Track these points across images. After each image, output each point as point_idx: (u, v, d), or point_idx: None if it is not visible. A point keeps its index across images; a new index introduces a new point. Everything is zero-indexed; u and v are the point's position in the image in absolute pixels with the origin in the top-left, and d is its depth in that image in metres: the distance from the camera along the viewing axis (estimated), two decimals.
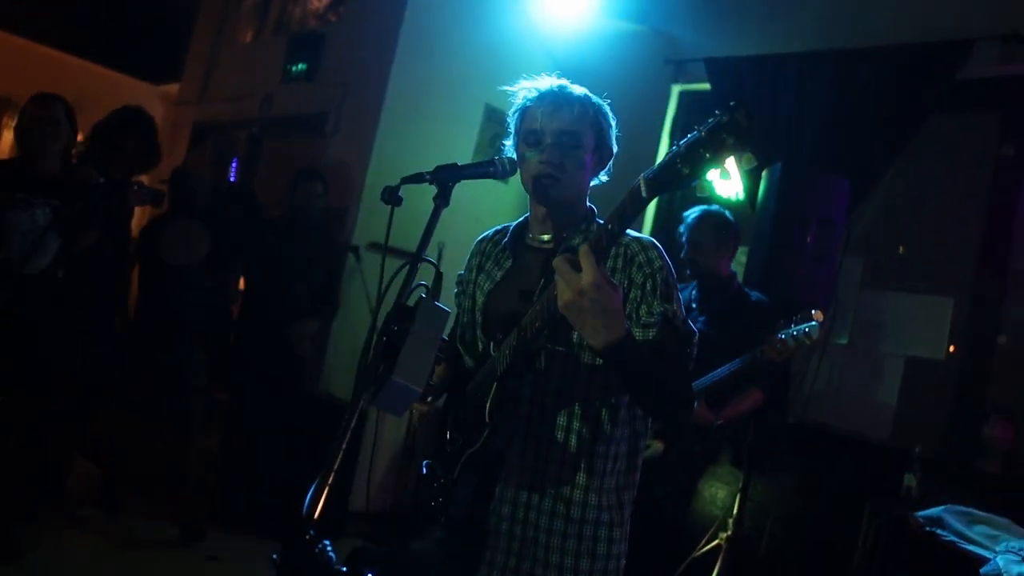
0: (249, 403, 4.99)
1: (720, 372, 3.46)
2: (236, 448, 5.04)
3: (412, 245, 2.01)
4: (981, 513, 2.79)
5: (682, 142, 1.40)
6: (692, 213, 3.95)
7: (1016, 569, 2.27)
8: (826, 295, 4.36)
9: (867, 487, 4.20)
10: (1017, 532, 2.58)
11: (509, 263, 2.01)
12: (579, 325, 1.55)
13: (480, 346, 1.97)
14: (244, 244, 5.22)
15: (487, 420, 1.78)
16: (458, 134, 5.80)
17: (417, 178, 1.74)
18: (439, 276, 1.60)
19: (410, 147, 5.55)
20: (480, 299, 2.00)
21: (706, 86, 5.46)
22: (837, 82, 4.66)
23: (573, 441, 1.80)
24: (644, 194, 1.45)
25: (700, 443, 3.78)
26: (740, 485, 4.28)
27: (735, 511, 4.23)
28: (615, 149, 2.00)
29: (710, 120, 1.37)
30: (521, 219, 2.06)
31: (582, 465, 1.81)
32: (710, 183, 5.47)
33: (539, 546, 1.80)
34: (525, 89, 1.98)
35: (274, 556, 1.31)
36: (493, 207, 5.54)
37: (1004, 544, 2.46)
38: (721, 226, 3.91)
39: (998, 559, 2.36)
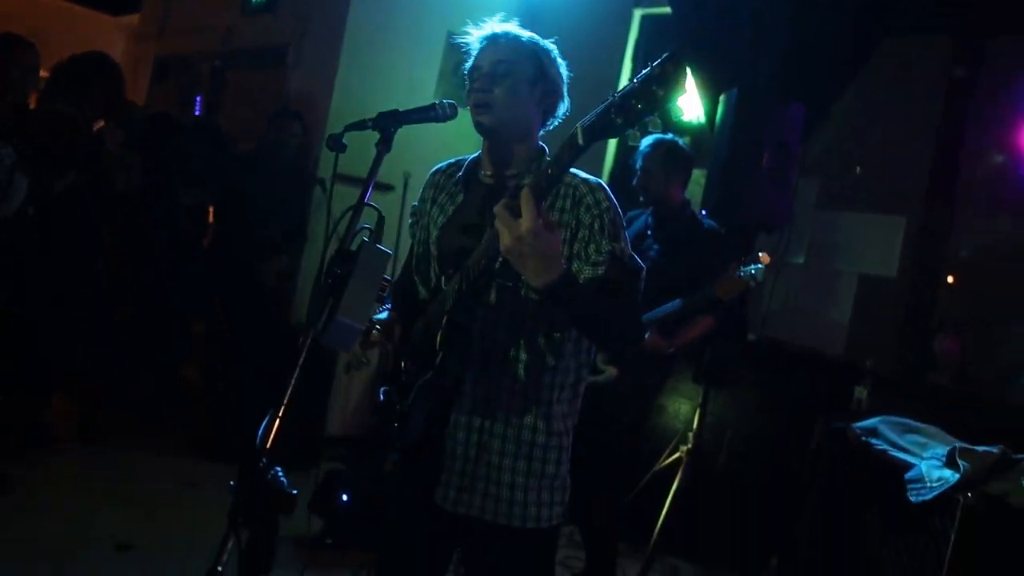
0: (224, 334, 5.11)
1: (672, 306, 3.58)
2: (215, 379, 5.19)
3: (388, 176, 2.12)
4: (914, 423, 2.97)
5: (617, 92, 1.47)
6: (646, 141, 3.97)
7: (936, 473, 2.45)
8: (782, 216, 4.49)
9: (821, 401, 4.38)
10: (944, 440, 2.76)
11: (460, 197, 2.07)
12: (519, 267, 1.64)
13: (434, 279, 2.06)
14: (211, 178, 5.29)
15: (438, 350, 1.89)
16: (421, 63, 5.79)
17: (360, 125, 1.80)
18: (381, 219, 1.69)
19: (373, 77, 5.55)
20: (434, 233, 2.07)
21: (668, 10, 5.47)
22: (793, 7, 4.69)
23: (522, 372, 1.92)
24: (581, 142, 1.53)
25: (655, 375, 3.90)
26: (699, 401, 4.48)
27: (695, 425, 4.42)
28: (565, 94, 2.04)
29: (643, 71, 1.44)
30: (476, 153, 2.11)
31: (531, 394, 1.93)
32: (675, 106, 5.54)
33: (492, 467, 1.93)
34: (473, 39, 2.04)
35: (232, 483, 1.43)
36: (460, 133, 5.53)
37: (930, 451, 2.64)
38: (670, 153, 3.92)
39: (921, 464, 2.54)
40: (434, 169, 2.21)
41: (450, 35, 5.88)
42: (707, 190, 4.56)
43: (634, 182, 3.94)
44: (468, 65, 2.04)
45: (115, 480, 4.37)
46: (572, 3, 6.00)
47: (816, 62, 4.59)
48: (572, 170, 1.88)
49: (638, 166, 3.90)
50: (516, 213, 1.58)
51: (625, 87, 1.46)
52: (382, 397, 2.14)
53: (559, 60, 2.04)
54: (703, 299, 3.55)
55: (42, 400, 4.59)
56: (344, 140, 1.79)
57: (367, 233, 1.67)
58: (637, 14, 5.84)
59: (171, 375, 5.59)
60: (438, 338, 1.89)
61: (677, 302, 3.59)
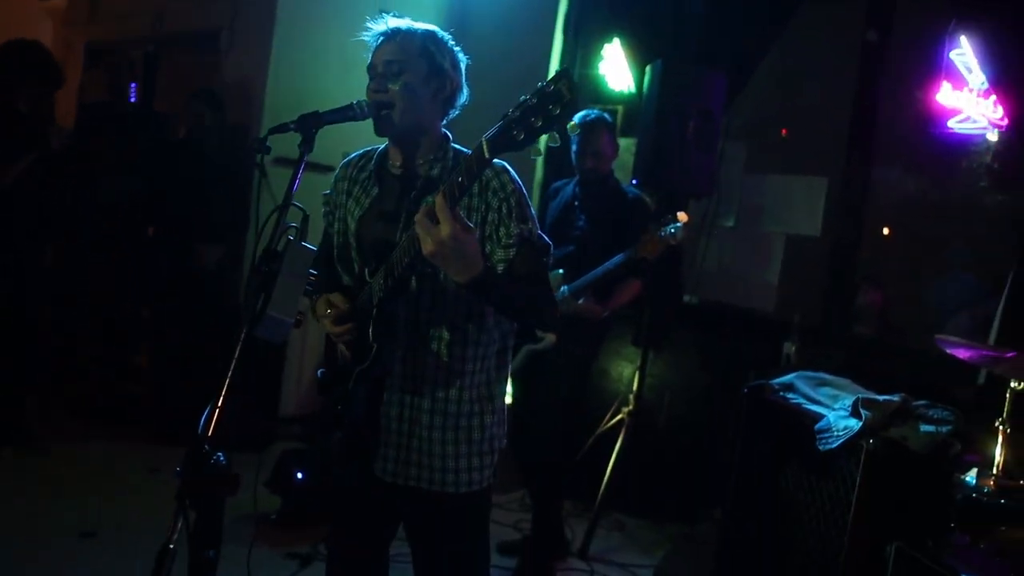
0: (170, 319, 5.18)
1: (600, 270, 3.73)
2: (164, 365, 5.26)
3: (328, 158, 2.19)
4: (828, 376, 3.16)
5: (516, 107, 1.59)
6: (585, 119, 3.99)
7: (843, 423, 2.65)
8: (708, 180, 4.66)
9: (754, 358, 4.59)
10: (854, 390, 2.95)
11: (375, 190, 2.17)
12: (444, 268, 1.77)
13: (356, 268, 2.18)
14: (148, 166, 5.32)
15: (371, 342, 2.02)
16: (355, 40, 5.80)
17: (282, 128, 1.89)
18: (306, 218, 1.80)
19: (308, 57, 5.56)
20: (352, 225, 2.18)
21: None
22: None
23: (444, 351, 2.06)
24: (487, 155, 1.65)
25: (591, 340, 4.05)
26: (639, 363, 4.66)
27: (635, 387, 4.61)
28: (463, 84, 2.16)
29: (539, 87, 1.57)
30: (384, 146, 2.21)
31: (455, 368, 2.08)
32: (603, 77, 5.67)
33: (423, 439, 2.08)
34: (371, 34, 2.14)
35: (178, 469, 1.56)
36: None
37: (840, 402, 2.84)
38: (613, 131, 4.10)
39: (830, 415, 2.74)
40: (344, 162, 2.30)
41: (381, 11, 5.91)
42: (637, 158, 4.70)
43: (577, 162, 4.03)
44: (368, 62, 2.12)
45: (77, 468, 4.44)
46: None
47: (736, 30, 4.74)
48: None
49: (583, 149, 3.97)
50: (435, 220, 1.70)
51: (523, 102, 1.58)
52: (320, 379, 2.28)
53: (454, 50, 2.15)
54: (627, 262, 3.70)
55: (26, 394, 4.71)
56: (268, 143, 1.88)
57: (293, 231, 1.78)
58: None
59: (122, 363, 5.64)
60: (370, 331, 2.02)
61: (603, 266, 3.73)
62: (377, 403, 2.10)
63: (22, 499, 3.96)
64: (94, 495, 4.10)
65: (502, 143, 1.61)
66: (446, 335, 2.06)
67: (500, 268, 1.98)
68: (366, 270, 2.07)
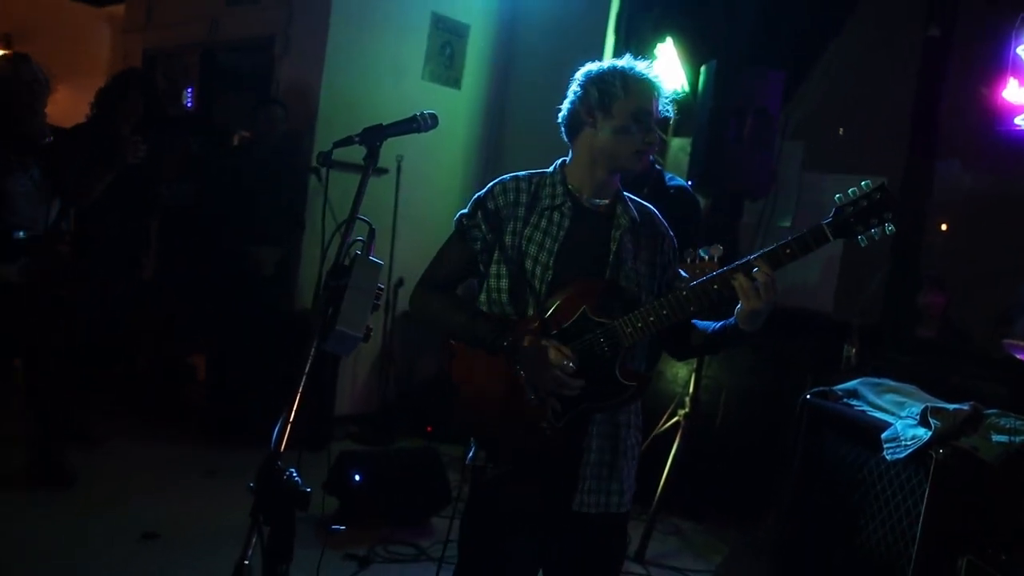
0: (228, 322, 5.25)
1: None
2: (221, 367, 5.34)
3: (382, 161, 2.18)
4: (892, 382, 3.10)
5: (849, 203, 1.91)
6: None
7: (911, 432, 2.59)
8: (766, 180, 4.60)
9: (812, 359, 4.52)
10: (921, 398, 2.89)
11: (567, 223, 2.13)
12: (753, 322, 1.96)
13: (532, 296, 2.10)
14: (205, 169, 5.42)
15: (622, 381, 2.04)
16: (407, 45, 5.85)
17: (347, 141, 1.90)
18: (372, 232, 1.81)
19: (360, 62, 5.63)
20: (542, 256, 2.10)
21: None
22: None
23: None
24: (831, 238, 1.93)
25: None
26: (695, 365, 4.62)
27: (691, 389, 4.57)
28: None
29: (870, 194, 1.90)
30: (556, 173, 2.19)
31: (633, 408, 2.19)
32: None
33: (616, 468, 2.15)
34: (621, 62, 2.13)
35: (251, 485, 1.57)
36: (447, 115, 5.65)
37: (906, 410, 2.78)
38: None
39: (897, 424, 2.68)
40: (500, 185, 2.19)
41: (434, 16, 5.95)
42: (692, 159, 4.66)
43: None
44: (623, 89, 2.08)
45: (136, 470, 4.53)
46: None
47: (793, 27, 4.67)
48: (635, 198, 2.24)
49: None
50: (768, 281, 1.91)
51: (856, 202, 1.91)
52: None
53: None
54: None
55: (87, 395, 4.85)
56: (331, 154, 1.89)
57: (360, 246, 1.79)
58: None
59: (180, 366, 5.75)
60: (617, 370, 2.04)
61: None
62: (581, 437, 2.12)
63: (83, 501, 4.04)
64: (153, 497, 4.18)
65: (842, 231, 1.92)
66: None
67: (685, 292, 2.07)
68: (586, 308, 2.05)
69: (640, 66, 2.11)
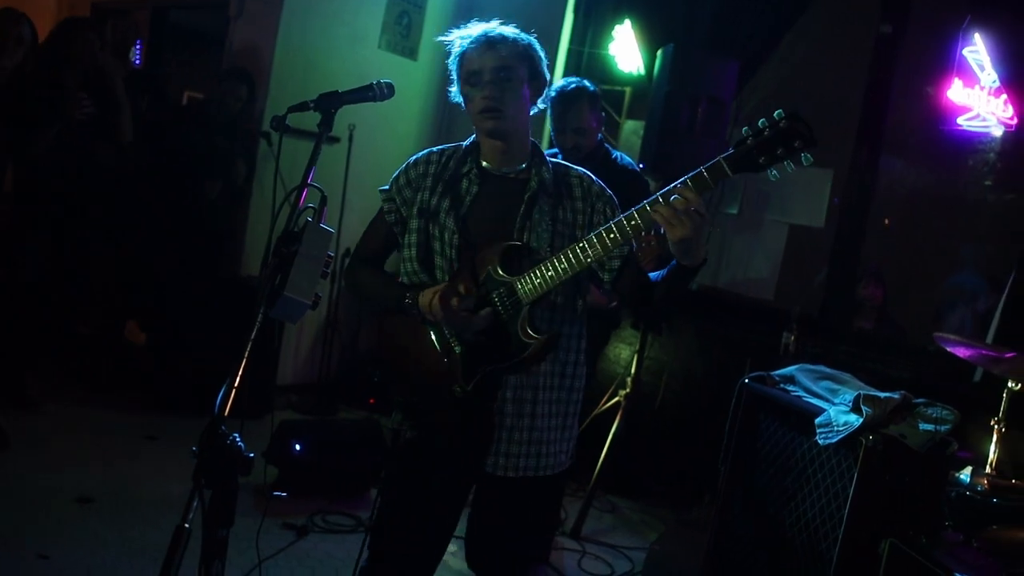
0: (171, 288, 5.17)
1: None
2: (163, 332, 5.27)
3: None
4: (827, 370, 3.18)
5: (753, 135, 1.79)
6: (564, 91, 3.69)
7: (843, 418, 2.67)
8: None
9: (752, 345, 4.62)
10: (855, 386, 2.97)
11: (476, 189, 2.17)
12: (685, 252, 1.91)
13: (443, 264, 2.14)
14: (153, 132, 5.29)
15: (523, 339, 2.04)
16: (364, 12, 5.78)
17: (302, 107, 1.89)
18: (324, 199, 1.80)
19: (316, 28, 5.54)
20: (449, 223, 2.13)
21: None
22: None
23: (561, 348, 2.18)
24: (730, 173, 1.82)
25: (591, 341, 4.04)
26: (638, 346, 4.69)
27: (633, 370, 4.64)
28: (548, 76, 2.22)
29: (777, 121, 1.77)
30: (468, 145, 2.23)
31: (568, 364, 2.21)
32: (612, 57, 5.65)
33: (539, 429, 2.17)
34: (459, 37, 2.17)
35: (194, 449, 1.57)
36: (402, 86, 5.60)
37: (840, 397, 2.86)
38: (597, 102, 3.78)
39: (830, 410, 2.76)
40: (415, 159, 2.26)
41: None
42: (644, 142, 4.70)
43: (557, 139, 3.74)
44: (458, 64, 2.16)
45: (74, 435, 4.45)
46: None
47: (749, 19, 4.72)
48: (564, 162, 2.25)
49: (563, 125, 3.69)
50: (689, 207, 1.83)
51: (760, 131, 1.79)
52: (411, 382, 2.23)
53: (542, 51, 2.21)
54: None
55: (28, 359, 4.75)
56: (288, 120, 1.88)
57: (311, 212, 1.78)
58: None
59: (117, 332, 5.63)
60: (519, 328, 2.04)
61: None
62: (492, 400, 2.13)
63: (19, 465, 3.96)
64: (91, 462, 4.12)
65: (743, 164, 1.81)
66: (565, 330, 2.17)
67: (617, 263, 2.16)
68: (491, 269, 2.06)
69: (473, 29, 2.15)
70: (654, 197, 1.89)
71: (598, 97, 3.82)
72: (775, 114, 1.78)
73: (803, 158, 1.78)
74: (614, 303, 3.86)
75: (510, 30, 2.16)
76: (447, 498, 2.21)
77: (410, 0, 5.99)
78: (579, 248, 1.97)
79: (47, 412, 4.65)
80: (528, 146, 2.20)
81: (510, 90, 2.10)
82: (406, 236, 2.21)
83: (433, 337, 2.15)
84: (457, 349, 2.12)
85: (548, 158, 2.23)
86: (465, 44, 2.15)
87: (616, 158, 3.87)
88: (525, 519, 2.25)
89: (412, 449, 2.19)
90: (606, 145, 3.93)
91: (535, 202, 2.13)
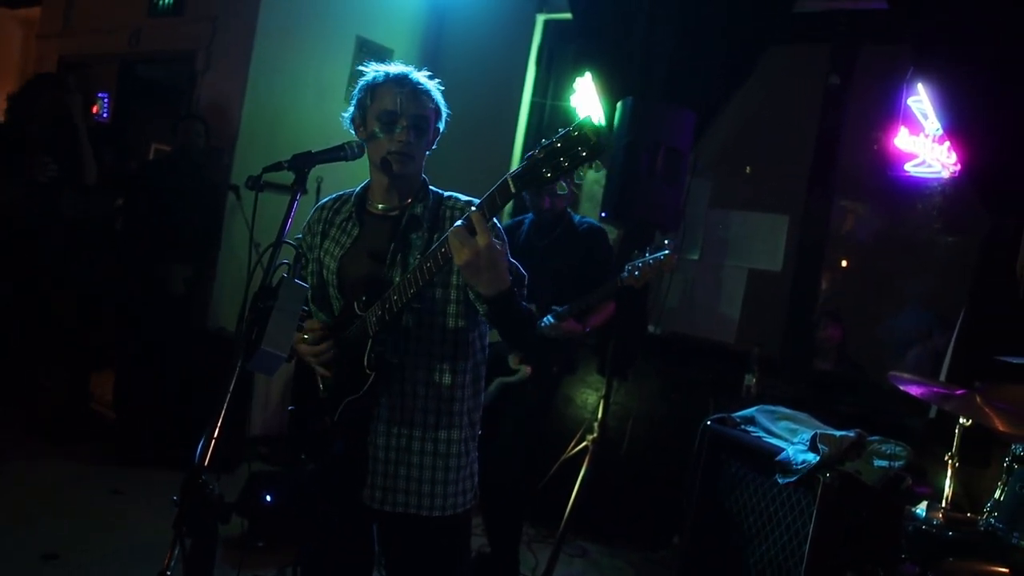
0: (136, 339, 5.17)
1: (586, 299, 3.81)
2: (130, 385, 5.24)
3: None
4: (786, 410, 3.29)
5: (541, 149, 1.73)
6: None
7: (801, 457, 2.77)
8: (674, 217, 4.79)
9: (715, 387, 4.71)
10: (813, 425, 3.08)
11: (356, 230, 2.27)
12: (475, 280, 1.85)
13: (336, 304, 2.26)
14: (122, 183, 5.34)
15: (367, 371, 2.09)
16: (331, 67, 5.90)
17: (276, 167, 1.98)
18: (299, 255, 1.87)
19: (284, 82, 5.64)
20: (332, 264, 2.26)
21: (569, 15, 5.71)
22: (683, 17, 4.98)
23: (434, 381, 2.17)
24: (513, 190, 1.78)
25: (556, 363, 4.14)
26: (603, 392, 4.76)
27: (599, 415, 4.70)
28: (442, 129, 2.30)
29: (564, 132, 1.71)
30: (360, 188, 2.33)
31: (444, 399, 2.19)
32: (574, 109, 5.80)
33: (412, 466, 2.18)
34: (374, 69, 2.23)
35: (175, 498, 1.61)
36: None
37: (799, 436, 2.96)
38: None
39: (789, 449, 2.86)
40: (319, 205, 2.41)
41: (359, 40, 6.02)
42: (606, 191, 4.82)
43: (543, 204, 4.03)
44: (369, 95, 2.19)
45: (38, 489, 4.40)
46: (478, 8, 6.21)
47: (705, 70, 4.89)
48: (454, 194, 2.25)
49: (548, 189, 3.93)
50: (472, 233, 1.80)
51: (547, 144, 1.72)
52: (294, 411, 2.35)
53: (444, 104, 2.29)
54: (610, 289, 3.80)
55: None
56: (263, 180, 1.95)
57: (286, 268, 1.85)
58: (540, 19, 6.07)
59: (84, 384, 5.59)
60: (366, 361, 2.09)
61: (587, 297, 3.82)
62: (364, 433, 2.18)
63: None
64: (56, 517, 4.08)
65: (528, 179, 1.75)
66: (436, 366, 2.17)
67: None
68: (356, 304, 2.14)
69: (391, 68, 2.20)
70: (456, 224, 1.87)
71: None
72: (559, 128, 1.75)
73: (595, 165, 1.80)
74: (587, 330, 3.97)
75: (430, 82, 2.23)
76: (352, 536, 2.30)
77: (375, 54, 6.12)
78: (405, 280, 2.01)
79: (8, 466, 4.59)
80: (416, 186, 2.26)
81: (422, 137, 2.19)
82: (308, 278, 2.31)
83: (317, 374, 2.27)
84: (324, 384, 2.25)
85: (435, 191, 2.24)
86: (381, 78, 2.19)
87: (578, 221, 4.15)
88: (422, 560, 2.27)
89: (313, 481, 2.31)
90: (568, 210, 4.18)
91: (406, 237, 2.18)
